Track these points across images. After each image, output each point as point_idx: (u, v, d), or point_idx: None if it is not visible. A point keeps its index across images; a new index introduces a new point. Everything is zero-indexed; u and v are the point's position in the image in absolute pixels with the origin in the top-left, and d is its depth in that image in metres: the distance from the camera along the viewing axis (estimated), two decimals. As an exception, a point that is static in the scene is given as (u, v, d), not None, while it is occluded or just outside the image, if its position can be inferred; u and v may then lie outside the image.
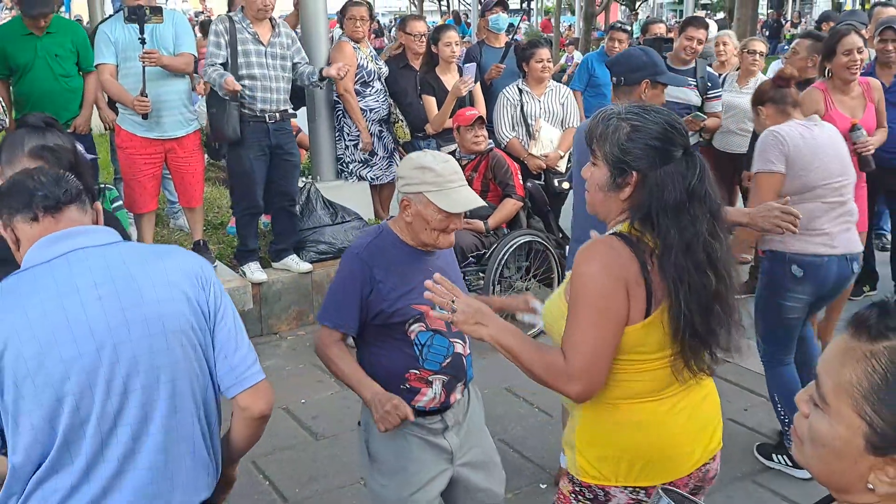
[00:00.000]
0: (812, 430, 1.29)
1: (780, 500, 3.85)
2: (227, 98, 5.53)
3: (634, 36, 10.63)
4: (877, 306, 1.24)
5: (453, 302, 2.17)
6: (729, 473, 4.06)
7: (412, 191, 2.63)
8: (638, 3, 30.96)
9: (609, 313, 2.06)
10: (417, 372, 2.69)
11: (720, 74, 6.84)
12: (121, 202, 5.17)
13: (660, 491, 1.63)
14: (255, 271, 5.90)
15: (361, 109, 6.44)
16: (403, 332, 2.67)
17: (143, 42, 5.35)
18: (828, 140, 3.90)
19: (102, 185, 5.14)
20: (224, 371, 2.03)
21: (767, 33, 12.55)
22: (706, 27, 6.60)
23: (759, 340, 4.12)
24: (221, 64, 5.61)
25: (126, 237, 2.83)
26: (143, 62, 5.37)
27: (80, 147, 4.64)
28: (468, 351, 2.82)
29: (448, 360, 2.72)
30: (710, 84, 6.40)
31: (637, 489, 2.21)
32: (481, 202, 2.74)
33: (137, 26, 5.31)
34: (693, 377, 2.19)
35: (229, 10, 6.64)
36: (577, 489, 2.27)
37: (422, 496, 2.75)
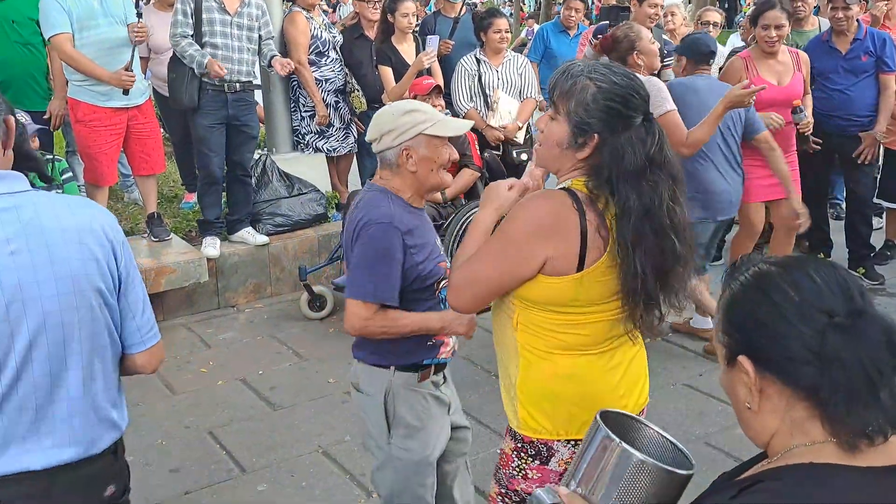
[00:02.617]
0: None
1: (733, 461, 3.90)
2: (203, 72, 5.49)
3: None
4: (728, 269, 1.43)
5: None
6: (682, 436, 4.12)
7: (409, 136, 2.61)
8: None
9: (515, 256, 2.12)
10: None
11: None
12: (70, 174, 5.11)
13: (598, 418, 1.62)
14: (207, 245, 5.84)
15: (317, 80, 6.37)
16: (433, 291, 2.69)
17: (139, 16, 5.34)
18: None
19: (52, 157, 5.07)
20: (130, 331, 2.08)
21: (727, 6, 12.60)
22: None
23: None
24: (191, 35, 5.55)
25: None
26: (137, 38, 5.31)
27: (26, 118, 4.57)
28: None
29: None
30: (665, 52, 6.42)
31: (580, 442, 2.22)
32: (470, 123, 2.88)
33: None
34: (635, 330, 2.23)
35: None
36: (520, 445, 2.29)
37: (437, 450, 2.84)
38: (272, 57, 5.85)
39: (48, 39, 5.36)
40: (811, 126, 5.32)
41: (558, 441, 2.24)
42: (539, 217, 2.12)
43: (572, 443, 2.24)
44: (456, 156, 2.78)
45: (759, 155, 4.87)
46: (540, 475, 2.28)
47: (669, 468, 1.52)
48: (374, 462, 2.89)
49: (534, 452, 2.27)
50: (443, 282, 2.69)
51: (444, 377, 2.89)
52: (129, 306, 2.07)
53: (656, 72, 5.66)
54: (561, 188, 2.18)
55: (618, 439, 1.54)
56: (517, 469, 2.31)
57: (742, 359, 1.30)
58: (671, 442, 1.68)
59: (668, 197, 2.11)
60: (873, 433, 1.21)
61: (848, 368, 1.20)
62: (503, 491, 2.37)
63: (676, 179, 2.15)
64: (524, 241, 2.11)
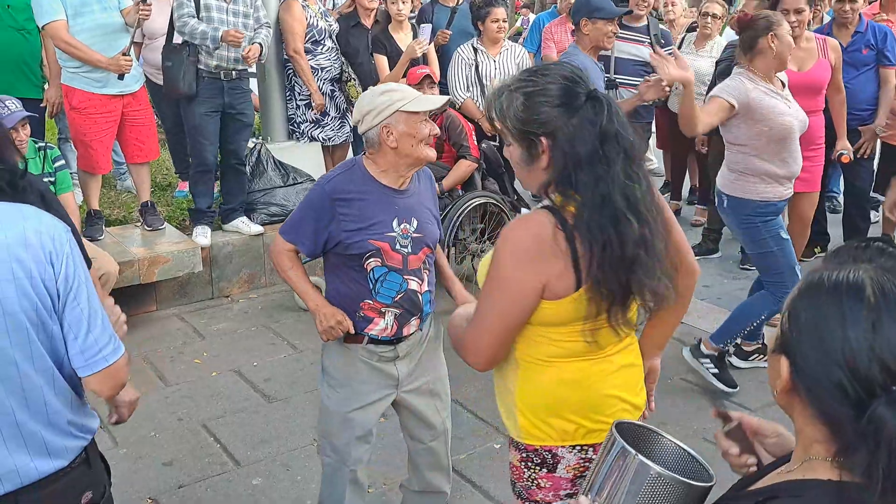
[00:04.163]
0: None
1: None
2: (217, 46, 5.45)
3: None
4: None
5: None
6: (680, 432, 4.09)
7: (387, 114, 2.75)
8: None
9: (509, 292, 2.02)
10: (371, 302, 2.86)
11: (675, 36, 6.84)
12: (63, 162, 5.04)
13: (613, 430, 1.58)
14: (198, 234, 5.79)
15: (313, 68, 6.31)
16: (360, 264, 2.82)
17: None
18: None
19: (44, 145, 5.00)
20: (74, 353, 1.92)
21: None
22: None
23: None
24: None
25: (53, 200, 2.71)
26: (142, 16, 5.29)
27: (17, 105, 4.50)
28: (426, 288, 2.96)
29: (400, 295, 2.88)
30: (663, 41, 6.39)
31: (584, 447, 2.17)
32: (445, 98, 3.05)
33: None
34: (629, 331, 2.15)
35: None
36: (525, 455, 2.23)
37: (359, 415, 2.97)
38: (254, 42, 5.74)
39: (42, 27, 5.29)
40: (851, 156, 5.50)
41: (563, 447, 2.17)
42: (521, 245, 2.02)
43: (578, 447, 2.17)
44: (437, 131, 2.90)
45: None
46: (551, 483, 2.21)
47: (688, 481, 1.48)
48: None
49: (539, 461, 2.21)
50: (370, 260, 2.81)
51: (398, 354, 2.95)
52: (70, 326, 1.90)
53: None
54: (543, 206, 2.07)
55: (634, 451, 1.50)
56: (530, 480, 2.24)
57: (783, 362, 1.22)
58: (689, 453, 1.64)
59: (623, 174, 1.96)
60: None
61: (879, 449, 1.09)
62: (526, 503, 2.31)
63: (629, 153, 1.99)
64: (513, 274, 2.01)
